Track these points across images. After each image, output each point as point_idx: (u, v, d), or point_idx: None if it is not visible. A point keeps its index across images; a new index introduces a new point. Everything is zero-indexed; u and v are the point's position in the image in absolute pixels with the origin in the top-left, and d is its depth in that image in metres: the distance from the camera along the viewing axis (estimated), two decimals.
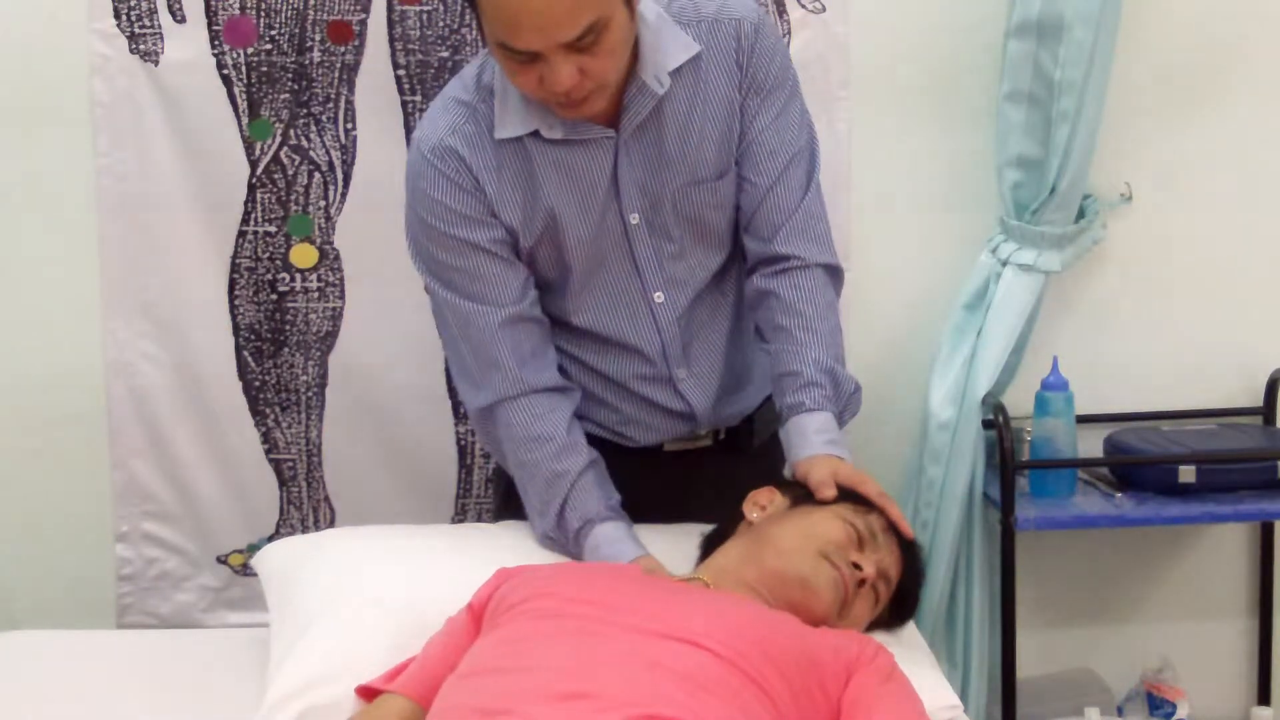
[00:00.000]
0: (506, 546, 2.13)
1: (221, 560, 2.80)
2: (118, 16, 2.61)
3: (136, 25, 2.62)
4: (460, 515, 2.80)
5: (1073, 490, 2.69)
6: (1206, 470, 2.61)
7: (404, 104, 2.66)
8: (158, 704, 2.06)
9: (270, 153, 2.67)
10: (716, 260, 2.21)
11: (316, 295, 2.72)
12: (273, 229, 2.70)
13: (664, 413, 2.23)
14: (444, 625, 1.90)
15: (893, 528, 1.98)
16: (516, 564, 1.97)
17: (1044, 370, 2.70)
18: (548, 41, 1.87)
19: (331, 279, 2.72)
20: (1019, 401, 2.71)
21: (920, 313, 2.80)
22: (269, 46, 2.63)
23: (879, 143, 2.74)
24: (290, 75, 2.65)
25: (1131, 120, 2.74)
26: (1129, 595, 2.94)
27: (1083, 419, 2.72)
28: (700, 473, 2.29)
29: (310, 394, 2.75)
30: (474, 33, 2.63)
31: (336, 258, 2.71)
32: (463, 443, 2.78)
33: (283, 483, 2.78)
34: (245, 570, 2.76)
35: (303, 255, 2.71)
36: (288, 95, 2.65)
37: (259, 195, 2.68)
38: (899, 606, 1.98)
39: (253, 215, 2.69)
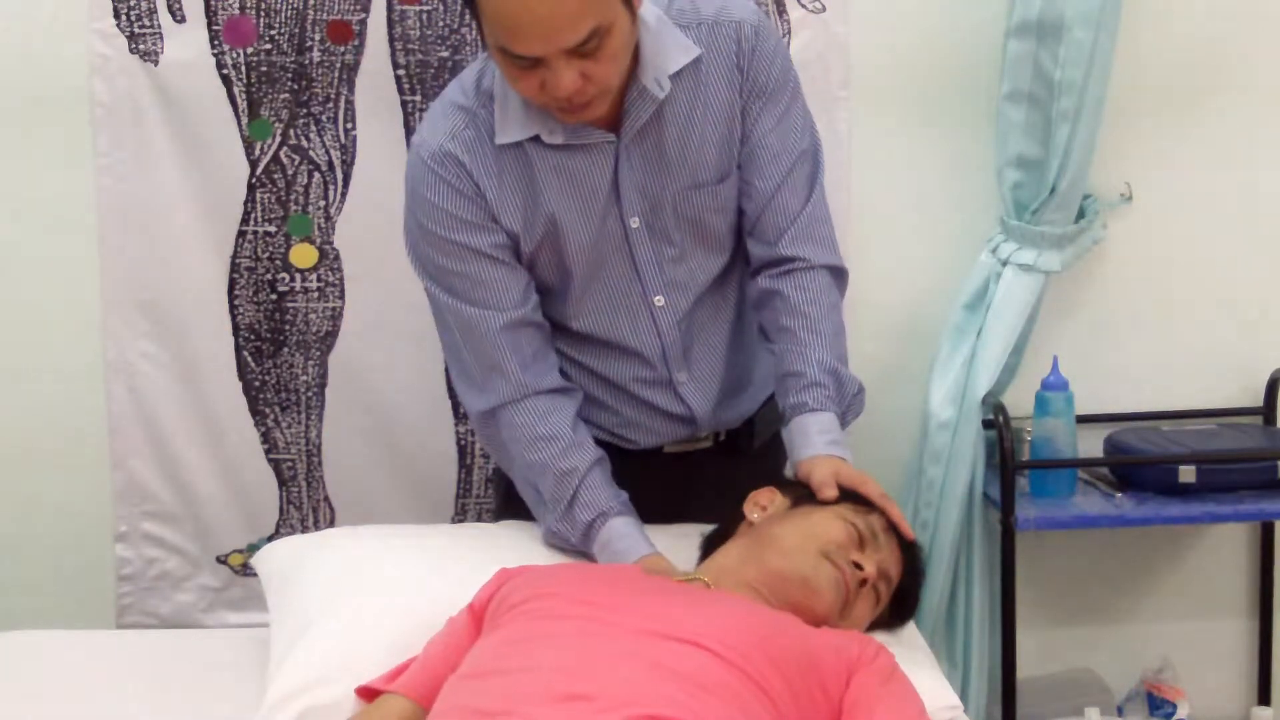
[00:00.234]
0: (507, 546, 2.13)
1: (221, 560, 2.80)
2: (118, 16, 2.61)
3: (136, 25, 2.62)
4: (460, 515, 2.80)
5: (1073, 490, 2.69)
6: (1206, 470, 2.61)
7: (404, 104, 2.66)
8: (158, 704, 2.06)
9: (270, 153, 2.67)
10: (717, 263, 2.21)
11: (316, 295, 2.72)
12: (272, 229, 2.70)
13: (664, 416, 2.23)
14: (445, 625, 1.90)
15: (893, 528, 1.98)
16: (517, 564, 1.96)
17: (1044, 370, 2.70)
18: (550, 47, 1.86)
19: (331, 279, 2.72)
20: (1019, 401, 2.71)
21: (920, 313, 2.80)
22: (269, 46, 2.63)
23: (879, 143, 2.74)
24: (290, 75, 2.64)
25: (1131, 120, 2.73)
26: (1129, 595, 2.94)
27: (1083, 419, 2.71)
28: (700, 474, 2.29)
29: (310, 394, 2.75)
30: (474, 33, 2.63)
31: (336, 258, 2.71)
32: (463, 443, 2.78)
33: (282, 483, 2.78)
34: (245, 570, 2.76)
35: (302, 255, 2.71)
36: (287, 95, 2.65)
37: (259, 195, 2.68)
38: (899, 606, 1.98)
39: (252, 215, 2.69)
